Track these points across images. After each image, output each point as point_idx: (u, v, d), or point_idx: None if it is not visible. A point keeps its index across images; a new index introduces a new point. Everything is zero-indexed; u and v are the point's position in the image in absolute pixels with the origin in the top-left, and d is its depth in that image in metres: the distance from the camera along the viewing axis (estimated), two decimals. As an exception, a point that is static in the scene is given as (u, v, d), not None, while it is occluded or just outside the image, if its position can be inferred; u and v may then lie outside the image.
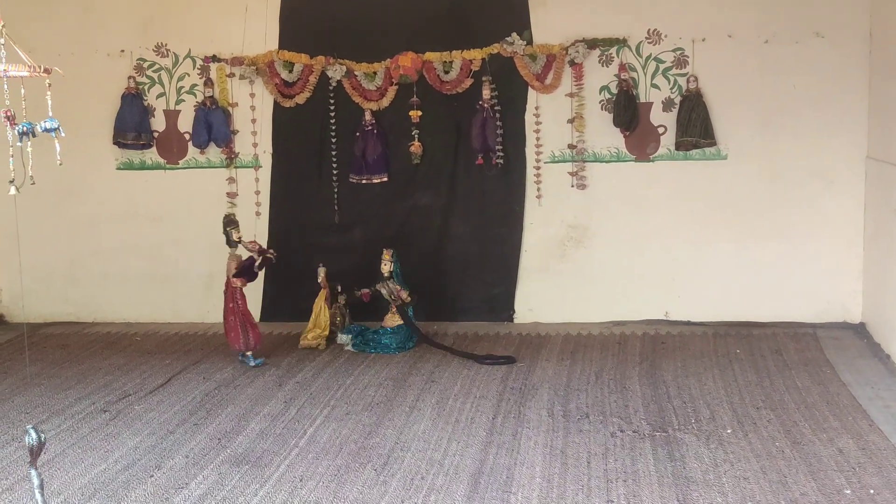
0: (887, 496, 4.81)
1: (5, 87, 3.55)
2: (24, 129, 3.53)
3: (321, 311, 8.09)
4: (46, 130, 3.61)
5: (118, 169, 9.01)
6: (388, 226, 8.70)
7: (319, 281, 8.13)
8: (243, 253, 7.74)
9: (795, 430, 5.77)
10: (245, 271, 7.71)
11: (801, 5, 8.00)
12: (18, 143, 3.54)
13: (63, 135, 3.65)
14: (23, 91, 3.60)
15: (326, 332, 8.07)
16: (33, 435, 4.19)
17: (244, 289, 7.75)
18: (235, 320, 7.62)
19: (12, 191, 3.70)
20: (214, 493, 5.14)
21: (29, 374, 7.47)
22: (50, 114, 3.62)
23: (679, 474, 5.16)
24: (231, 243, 7.66)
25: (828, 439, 5.60)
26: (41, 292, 9.15)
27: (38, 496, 4.29)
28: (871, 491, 4.87)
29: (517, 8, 8.34)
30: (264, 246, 8.12)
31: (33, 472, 4.22)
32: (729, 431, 5.78)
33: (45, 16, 8.73)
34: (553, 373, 7.14)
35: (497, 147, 8.37)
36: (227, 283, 7.71)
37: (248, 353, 7.59)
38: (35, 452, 4.22)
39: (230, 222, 7.69)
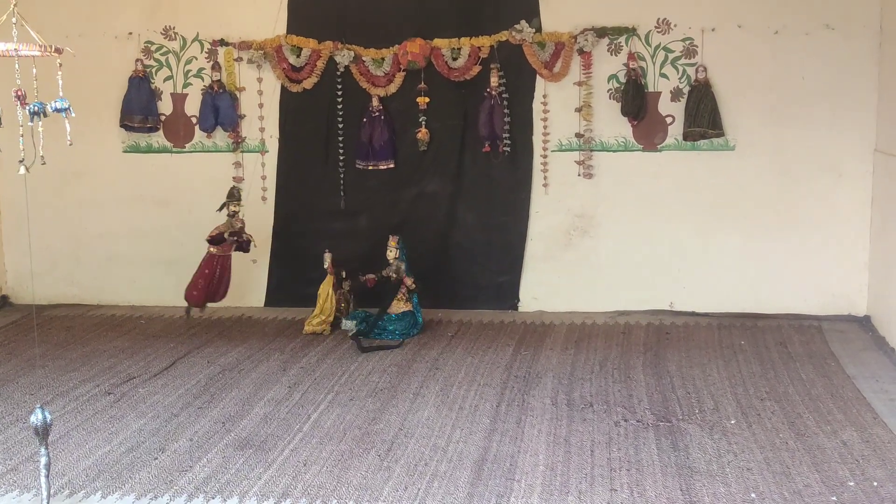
0: (891, 488, 4.81)
1: (16, 66, 3.54)
2: (36, 108, 3.52)
3: (328, 297, 8.08)
4: (57, 110, 3.61)
5: (125, 152, 9.01)
6: (394, 212, 8.69)
7: (326, 267, 8.12)
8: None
9: (799, 421, 5.77)
10: (215, 241, 8.15)
11: (811, -4, 7.98)
12: (30, 123, 3.53)
13: (73, 115, 3.64)
14: (34, 71, 3.60)
15: (331, 318, 8.07)
16: (39, 415, 4.21)
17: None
18: (203, 284, 8.18)
19: (22, 170, 3.70)
20: (218, 476, 5.15)
21: (37, 354, 7.48)
22: (60, 94, 3.62)
23: (682, 464, 5.17)
24: (228, 214, 8.15)
25: (832, 431, 5.60)
26: (46, 274, 9.16)
27: (42, 476, 4.31)
28: (875, 483, 4.88)
29: (526, -5, 8.32)
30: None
31: (42, 451, 4.24)
32: (733, 422, 5.79)
33: (53, -3, 8.72)
34: (557, 361, 7.14)
35: (504, 135, 8.36)
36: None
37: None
38: (41, 433, 4.23)
39: (230, 194, 8.16)
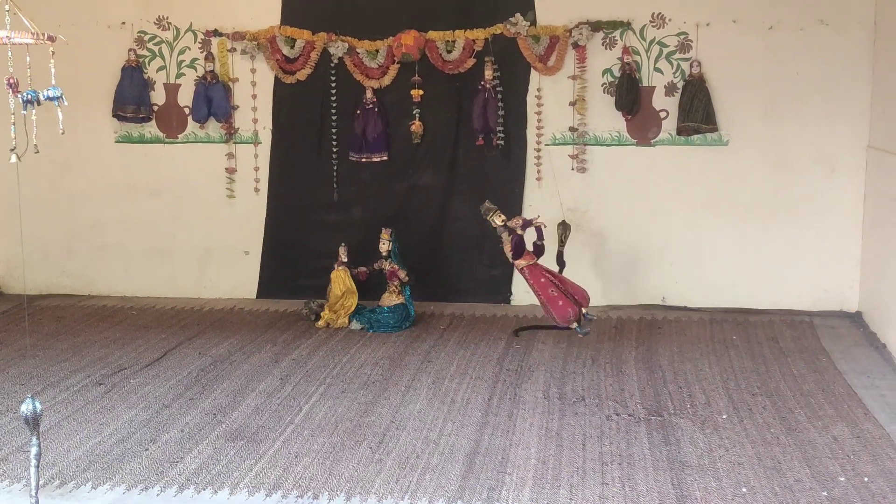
0: (881, 484, 4.82)
1: (9, 54, 3.52)
2: (29, 96, 3.50)
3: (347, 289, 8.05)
4: (49, 99, 3.59)
5: (117, 142, 8.98)
6: (388, 205, 8.68)
7: (346, 260, 8.06)
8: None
9: (791, 417, 5.79)
10: (519, 250, 7.35)
11: (806, -8, 7.98)
12: (23, 111, 3.51)
13: (66, 104, 3.62)
14: (28, 59, 3.57)
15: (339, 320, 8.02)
16: (30, 405, 4.19)
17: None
18: (557, 292, 7.21)
19: (13, 159, 3.68)
20: (209, 467, 5.14)
21: (28, 344, 7.46)
22: (53, 82, 3.60)
23: (674, 458, 5.17)
24: (498, 229, 7.46)
25: (823, 427, 5.61)
26: (38, 264, 9.13)
27: (32, 466, 4.29)
28: (866, 479, 4.89)
29: (521, -12, 8.30)
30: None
31: (34, 441, 4.22)
32: (724, 417, 5.79)
33: (45, -14, 8.67)
34: (549, 355, 7.14)
35: (498, 128, 8.35)
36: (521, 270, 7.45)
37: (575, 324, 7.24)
38: (31, 423, 4.21)
39: (486, 210, 7.48)
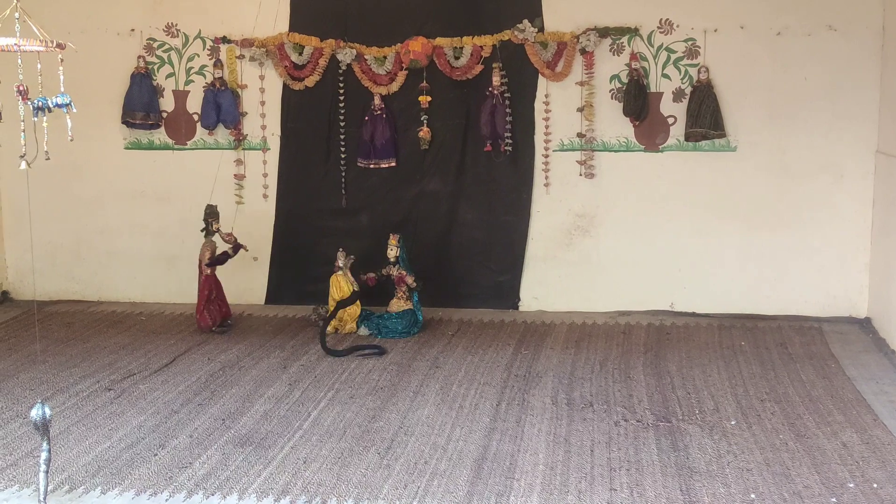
0: (891, 490, 4.81)
1: (19, 61, 3.54)
2: (40, 104, 3.52)
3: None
4: (58, 106, 3.61)
5: (126, 148, 9.01)
6: (396, 211, 8.69)
7: (342, 265, 8.06)
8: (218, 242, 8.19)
9: (799, 422, 5.77)
10: (218, 261, 8.09)
11: (814, -2, 7.98)
12: (34, 118, 3.53)
13: (75, 110, 3.64)
14: (39, 66, 3.59)
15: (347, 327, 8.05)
16: (39, 410, 4.21)
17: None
18: (203, 306, 8.04)
19: (23, 166, 3.70)
20: (218, 472, 5.15)
21: (38, 350, 7.48)
22: (62, 89, 3.62)
23: (682, 464, 5.17)
24: (209, 233, 8.09)
25: (832, 433, 5.60)
26: (47, 270, 9.17)
27: (41, 471, 4.31)
28: (875, 485, 4.88)
29: (529, -5, 8.31)
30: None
31: (44, 446, 4.24)
32: (733, 423, 5.79)
33: (55, -7, 8.71)
34: (557, 361, 7.14)
35: (506, 134, 8.35)
36: (201, 270, 8.11)
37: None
38: (41, 428, 4.23)
39: (212, 213, 8.06)
